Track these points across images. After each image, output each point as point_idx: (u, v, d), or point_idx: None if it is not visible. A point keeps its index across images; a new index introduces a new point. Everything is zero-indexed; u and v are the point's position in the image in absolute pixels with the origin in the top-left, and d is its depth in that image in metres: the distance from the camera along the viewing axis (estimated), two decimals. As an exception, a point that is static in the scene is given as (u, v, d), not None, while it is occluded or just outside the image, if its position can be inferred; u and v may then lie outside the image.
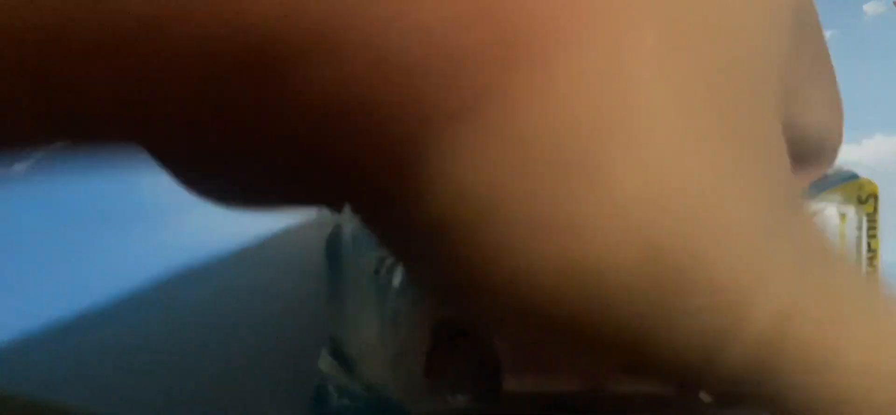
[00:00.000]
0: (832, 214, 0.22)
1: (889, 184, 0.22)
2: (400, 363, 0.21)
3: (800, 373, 0.12)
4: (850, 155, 0.19)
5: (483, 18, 0.10)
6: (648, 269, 0.11)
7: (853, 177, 0.21)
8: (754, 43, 0.12)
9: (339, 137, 0.11)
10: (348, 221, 0.21)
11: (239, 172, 0.12)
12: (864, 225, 0.21)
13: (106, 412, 0.22)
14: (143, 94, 0.11)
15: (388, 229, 0.13)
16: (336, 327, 0.22)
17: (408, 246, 0.13)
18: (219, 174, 0.12)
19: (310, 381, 0.22)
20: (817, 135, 0.15)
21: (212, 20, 0.10)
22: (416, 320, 0.21)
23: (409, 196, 0.11)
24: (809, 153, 0.15)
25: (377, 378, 0.21)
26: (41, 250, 0.28)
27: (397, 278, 0.21)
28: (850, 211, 0.21)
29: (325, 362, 0.21)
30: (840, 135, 0.16)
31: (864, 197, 0.21)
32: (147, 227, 0.28)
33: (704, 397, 0.20)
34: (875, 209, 0.21)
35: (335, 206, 0.13)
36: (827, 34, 0.16)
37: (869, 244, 0.22)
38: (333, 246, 0.22)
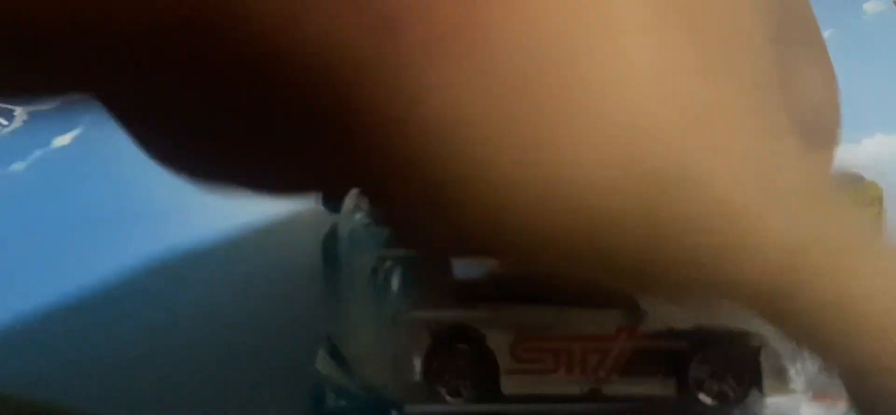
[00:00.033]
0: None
1: (889, 184, 0.21)
2: (398, 364, 0.21)
3: (814, 297, 0.13)
4: (850, 155, 0.19)
5: None
6: (635, 182, 0.12)
7: (859, 180, 0.21)
8: None
9: (316, 75, 0.11)
10: (345, 221, 0.21)
11: (207, 122, 0.12)
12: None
13: (104, 412, 0.22)
14: (96, 38, 0.11)
15: (370, 170, 0.13)
16: (333, 327, 0.21)
17: (386, 179, 0.13)
18: (184, 128, 0.13)
19: (307, 381, 0.22)
20: (812, 104, 0.16)
21: None
22: (414, 320, 0.20)
23: (390, 130, 0.12)
24: (806, 126, 0.15)
25: (375, 379, 0.21)
26: (41, 250, 0.28)
27: (396, 279, 0.21)
28: (855, 214, 0.21)
29: (323, 363, 0.21)
30: (837, 111, 0.17)
31: (870, 200, 0.21)
32: (146, 227, 0.28)
33: (704, 397, 0.20)
34: (880, 212, 0.21)
35: (312, 174, 0.13)
36: (827, 33, 0.16)
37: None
38: (330, 246, 0.21)
